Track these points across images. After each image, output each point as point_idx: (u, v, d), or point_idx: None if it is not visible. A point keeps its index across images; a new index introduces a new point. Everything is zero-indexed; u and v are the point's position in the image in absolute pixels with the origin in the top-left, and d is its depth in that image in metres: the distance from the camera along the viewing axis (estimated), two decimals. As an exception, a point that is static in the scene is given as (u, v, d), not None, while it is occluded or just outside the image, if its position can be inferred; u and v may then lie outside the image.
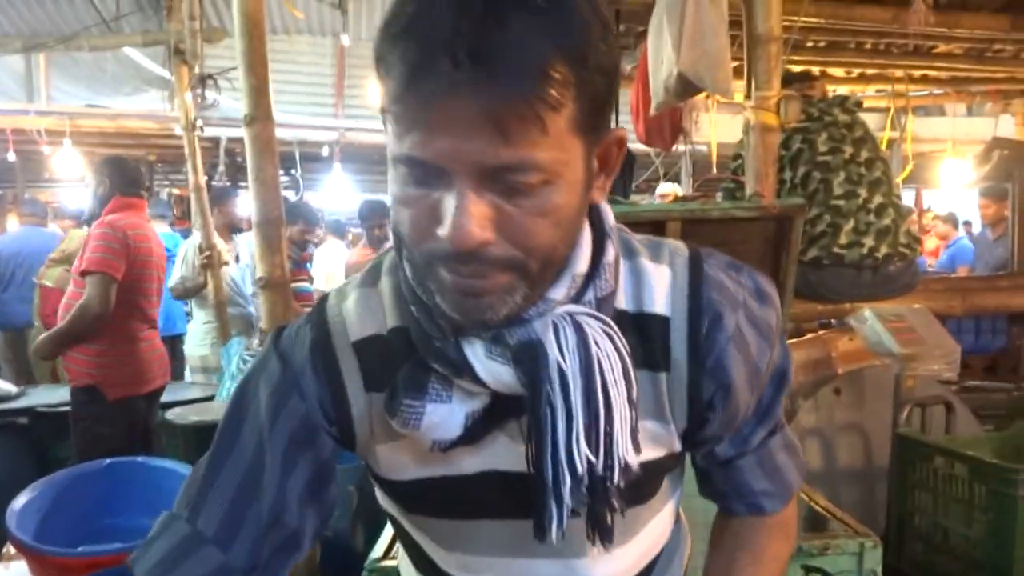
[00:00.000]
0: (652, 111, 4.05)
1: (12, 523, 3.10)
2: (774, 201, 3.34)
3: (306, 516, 1.06)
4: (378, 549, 2.31)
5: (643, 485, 1.06)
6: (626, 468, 0.94)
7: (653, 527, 1.16)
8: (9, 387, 4.87)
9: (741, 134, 3.76)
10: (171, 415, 4.26)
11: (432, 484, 1.06)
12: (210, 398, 4.85)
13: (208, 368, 5.71)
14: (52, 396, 4.75)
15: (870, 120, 4.96)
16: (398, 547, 1.37)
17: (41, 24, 7.67)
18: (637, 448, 0.95)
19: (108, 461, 3.52)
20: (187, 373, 6.01)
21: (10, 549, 3.49)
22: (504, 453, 1.02)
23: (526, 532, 0.97)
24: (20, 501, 3.22)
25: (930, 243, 10.62)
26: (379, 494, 1.20)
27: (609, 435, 0.91)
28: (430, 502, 1.09)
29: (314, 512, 1.07)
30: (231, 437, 1.04)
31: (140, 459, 3.64)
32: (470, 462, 1.03)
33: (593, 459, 0.92)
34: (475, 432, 0.97)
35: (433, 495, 1.07)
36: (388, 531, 2.57)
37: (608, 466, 0.93)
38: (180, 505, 1.06)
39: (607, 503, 0.95)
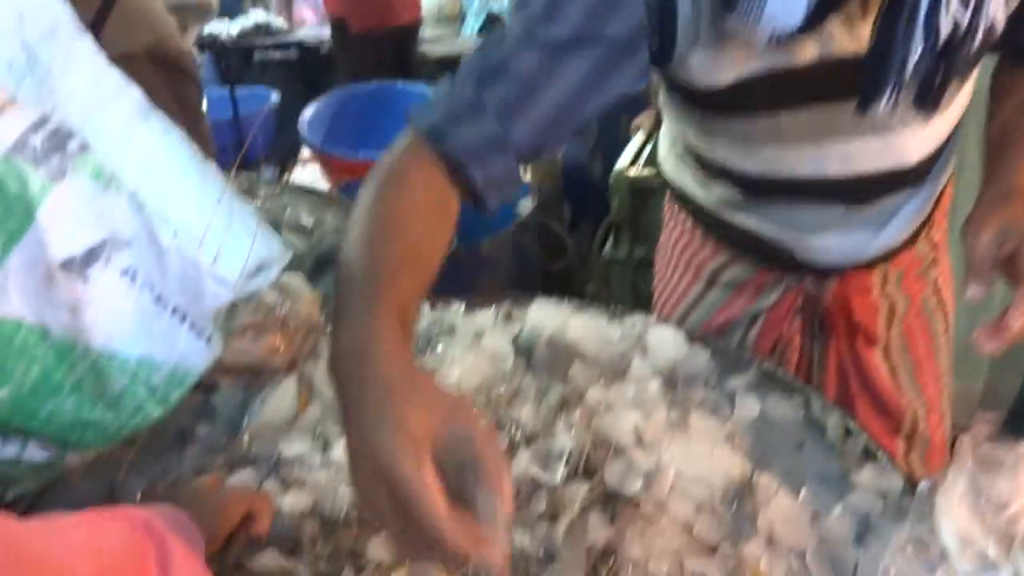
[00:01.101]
0: None
1: (304, 131, 3.64)
2: None
3: (589, 119, 1.05)
4: (623, 161, 2.51)
5: (984, 49, 1.04)
6: (990, 29, 0.93)
7: (964, 93, 1.15)
8: (281, 22, 5.37)
9: None
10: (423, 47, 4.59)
11: (758, 80, 1.05)
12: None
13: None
14: (319, 32, 5.21)
15: None
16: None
17: None
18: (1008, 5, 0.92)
19: (375, 84, 3.92)
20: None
21: (305, 154, 4.13)
22: (840, 37, 1.02)
23: (848, 113, 1.00)
24: (308, 113, 3.72)
25: None
26: (671, 111, 1.26)
27: None
28: (751, 99, 1.09)
29: (591, 114, 1.05)
30: (543, 23, 0.98)
31: (400, 84, 4.02)
32: (803, 52, 1.05)
33: (960, 19, 0.91)
34: (814, 18, 0.96)
35: (759, 90, 1.07)
36: (629, 151, 2.75)
37: (973, 27, 0.92)
38: (466, 74, 1.00)
39: (954, 69, 0.96)
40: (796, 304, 1.42)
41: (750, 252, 1.40)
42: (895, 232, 1.31)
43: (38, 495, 1.05)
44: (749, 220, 1.34)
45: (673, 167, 1.48)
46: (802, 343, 1.45)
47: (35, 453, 0.96)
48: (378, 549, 0.92)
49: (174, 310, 0.92)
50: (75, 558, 0.63)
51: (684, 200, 1.47)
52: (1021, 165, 1.08)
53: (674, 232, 1.55)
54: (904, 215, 1.29)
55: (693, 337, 1.36)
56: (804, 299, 1.42)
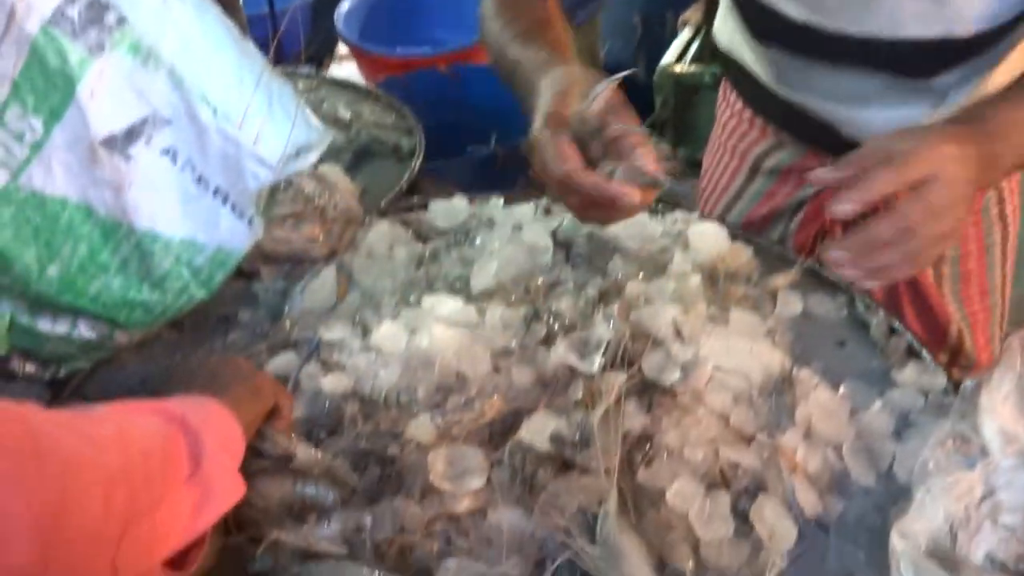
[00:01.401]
0: None
1: (341, 26, 3.56)
2: None
3: None
4: (668, 57, 2.42)
5: None
6: None
7: None
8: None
9: None
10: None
11: None
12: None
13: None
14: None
15: None
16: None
17: None
18: None
19: (413, -23, 3.80)
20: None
21: (341, 49, 4.06)
22: None
23: None
24: (344, 8, 3.63)
25: None
26: None
27: None
28: None
29: None
30: None
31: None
32: None
33: None
34: None
35: None
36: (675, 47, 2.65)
37: None
38: None
39: None
40: None
41: (796, 131, 1.36)
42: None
43: (89, 373, 1.08)
44: (797, 93, 1.30)
45: (728, 36, 1.43)
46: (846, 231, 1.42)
47: (85, 331, 0.98)
48: (418, 429, 0.94)
49: (215, 191, 0.92)
50: (102, 453, 0.61)
51: (737, 77, 1.43)
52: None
53: (725, 118, 1.52)
54: (959, 99, 1.22)
55: (736, 234, 1.33)
56: None
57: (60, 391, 1.04)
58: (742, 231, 1.42)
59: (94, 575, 0.59)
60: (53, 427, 0.59)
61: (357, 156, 1.74)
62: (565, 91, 0.95)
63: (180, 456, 0.69)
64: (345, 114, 1.83)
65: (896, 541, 0.82)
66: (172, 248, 0.92)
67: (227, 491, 0.74)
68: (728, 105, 1.50)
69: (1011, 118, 0.94)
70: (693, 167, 2.76)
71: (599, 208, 0.93)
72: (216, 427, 0.77)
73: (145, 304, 0.94)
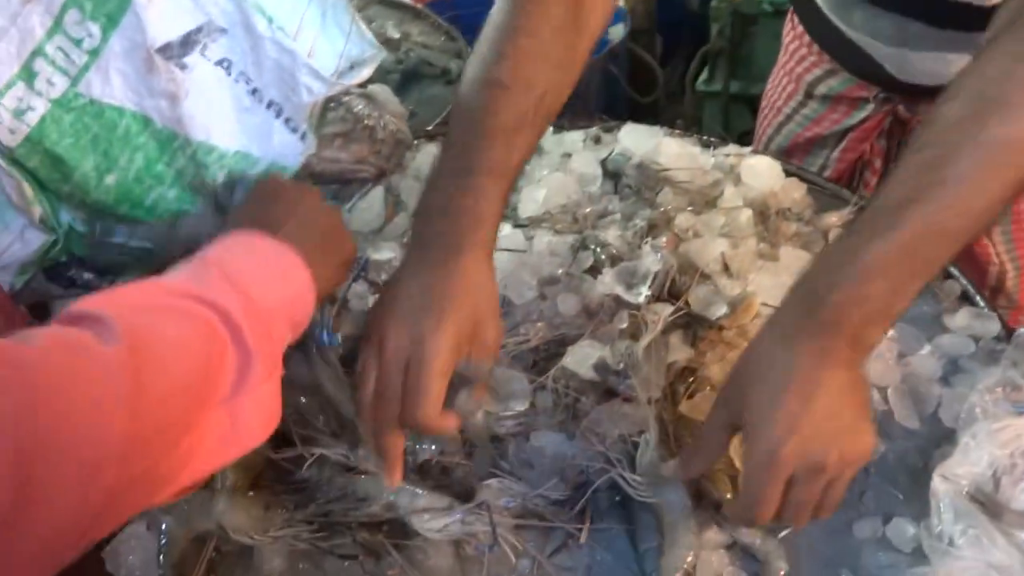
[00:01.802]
0: None
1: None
2: None
3: None
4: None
5: None
6: None
7: None
8: None
9: None
10: None
11: None
12: None
13: None
14: None
15: None
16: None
17: None
18: None
19: None
20: None
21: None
22: None
23: None
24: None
25: None
26: None
27: None
28: None
29: None
30: None
31: None
32: None
33: None
34: None
35: None
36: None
37: None
38: None
39: None
40: (883, 125, 1.38)
41: (846, 61, 1.35)
42: None
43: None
44: (844, 25, 1.28)
45: None
46: (883, 168, 1.40)
47: (140, 241, 1.00)
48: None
49: (269, 104, 0.92)
50: (110, 377, 0.52)
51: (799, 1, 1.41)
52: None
53: (788, 39, 1.50)
54: None
55: (789, 170, 1.30)
56: (892, 122, 1.37)
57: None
58: (787, 158, 1.42)
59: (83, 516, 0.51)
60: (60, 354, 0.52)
61: (405, 77, 1.73)
62: (467, 331, 0.79)
63: (225, 375, 0.61)
64: (394, 34, 1.80)
65: (938, 483, 0.82)
66: (226, 160, 0.92)
67: (261, 423, 0.65)
68: (792, 27, 1.48)
69: (846, 297, 0.71)
70: (742, 101, 2.70)
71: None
72: (288, 303, 0.68)
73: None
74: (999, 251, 1.38)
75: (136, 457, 0.53)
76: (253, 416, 0.63)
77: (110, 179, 0.90)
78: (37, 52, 0.83)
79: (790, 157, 1.48)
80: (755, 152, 1.33)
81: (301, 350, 0.85)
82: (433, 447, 0.85)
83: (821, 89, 1.43)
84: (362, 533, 0.80)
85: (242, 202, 0.87)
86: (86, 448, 0.50)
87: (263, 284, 0.67)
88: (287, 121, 0.94)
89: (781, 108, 1.51)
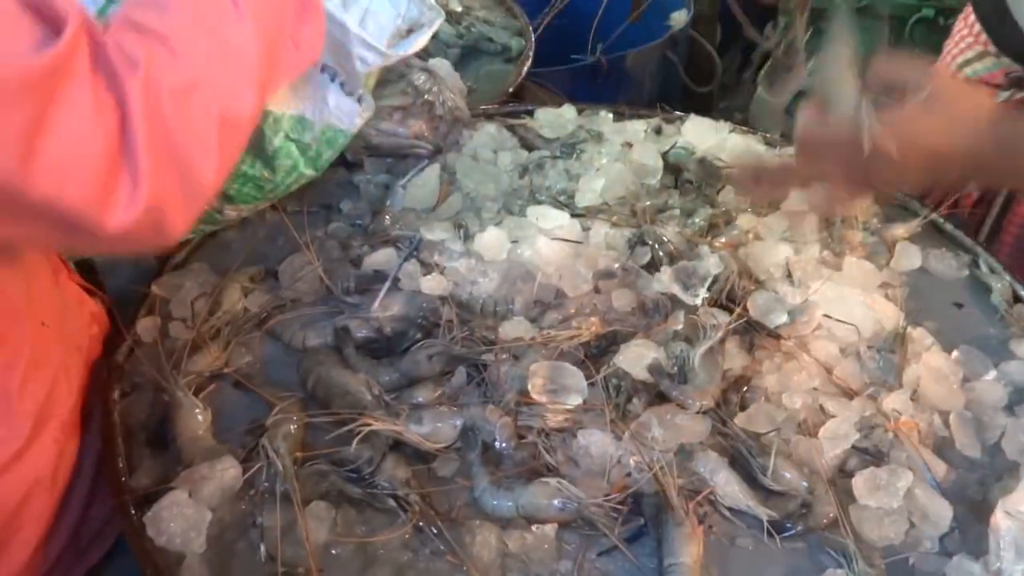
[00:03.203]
0: None
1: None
2: None
3: None
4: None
5: None
6: None
7: None
8: None
9: None
10: None
11: None
12: None
13: None
14: None
15: None
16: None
17: None
18: None
19: None
20: None
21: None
22: None
23: None
24: None
25: None
26: None
27: None
28: None
29: None
30: None
31: None
32: None
33: None
34: None
35: None
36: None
37: None
38: None
39: None
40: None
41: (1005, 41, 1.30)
42: None
43: (195, 247, 1.10)
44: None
45: None
46: None
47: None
48: (513, 329, 0.93)
49: (324, 67, 0.90)
50: None
51: None
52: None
53: (956, 30, 1.47)
54: None
55: (858, 177, 1.26)
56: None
57: (167, 260, 1.07)
58: None
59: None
60: None
61: (465, 53, 1.70)
62: None
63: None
64: (456, 7, 1.77)
65: (1000, 519, 0.79)
66: (281, 124, 0.91)
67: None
68: (964, 13, 1.46)
69: None
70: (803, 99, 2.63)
71: None
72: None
73: (256, 180, 0.94)
74: None
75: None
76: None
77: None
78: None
79: None
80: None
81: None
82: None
83: (966, 71, 1.40)
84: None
85: None
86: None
87: None
88: (343, 85, 0.92)
89: (955, 56, 1.47)
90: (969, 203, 1.37)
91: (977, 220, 1.37)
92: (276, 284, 1.04)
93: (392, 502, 0.79)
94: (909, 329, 1.01)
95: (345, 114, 0.99)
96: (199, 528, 0.75)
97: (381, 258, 1.05)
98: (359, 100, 1.00)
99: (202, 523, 0.76)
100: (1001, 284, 1.11)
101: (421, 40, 1.04)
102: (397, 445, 0.85)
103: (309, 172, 0.98)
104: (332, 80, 0.97)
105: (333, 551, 0.77)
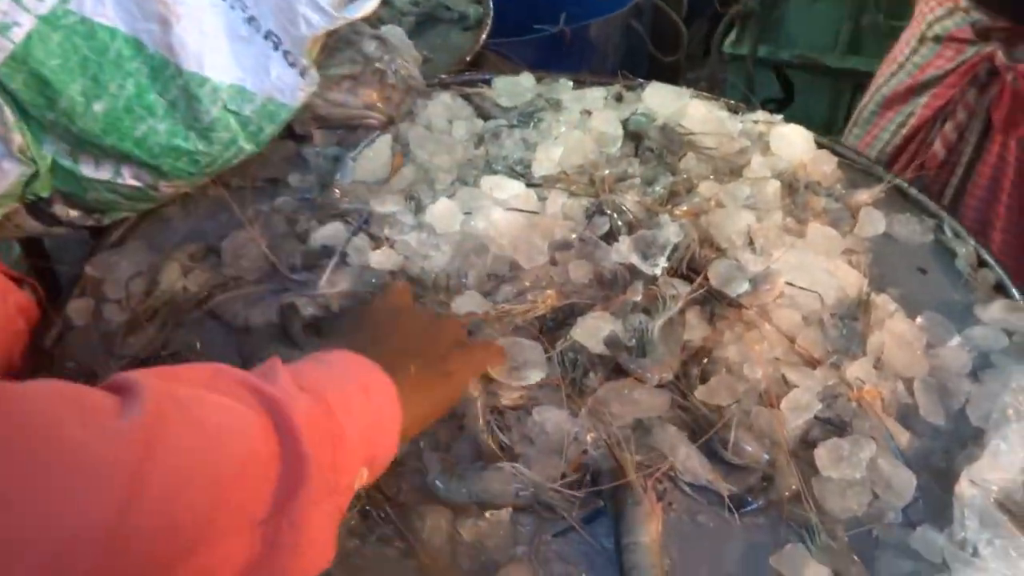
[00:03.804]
0: None
1: None
2: None
3: None
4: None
5: None
6: None
7: None
8: None
9: None
10: None
11: None
12: None
13: None
14: None
15: None
16: None
17: None
18: None
19: None
20: None
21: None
22: None
23: None
24: None
25: None
26: None
27: None
28: None
29: None
30: None
31: None
32: None
33: None
34: None
35: None
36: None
37: None
38: None
39: None
40: (978, 71, 1.35)
41: None
42: None
43: (133, 225, 1.04)
44: None
45: None
46: (965, 122, 1.37)
47: (129, 179, 0.94)
48: (465, 304, 0.90)
49: (267, 35, 0.85)
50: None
51: None
52: None
53: None
54: None
55: (821, 142, 1.23)
56: (987, 71, 1.34)
57: (104, 238, 1.01)
58: (883, 110, 1.45)
59: None
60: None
61: (421, 21, 1.64)
62: None
63: (265, 485, 0.49)
64: (410, -27, 1.71)
65: (964, 487, 0.77)
66: (220, 94, 0.85)
67: (303, 559, 0.51)
68: None
69: None
70: (771, 66, 2.61)
71: None
72: (364, 430, 0.55)
73: (191, 153, 0.89)
74: None
75: (124, 555, 0.42)
76: (295, 544, 0.50)
77: (98, 107, 0.84)
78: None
79: (887, 110, 1.48)
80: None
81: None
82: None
83: (936, 29, 1.41)
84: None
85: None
86: (55, 523, 0.39)
87: (339, 392, 0.55)
88: (286, 55, 0.87)
89: (897, 58, 1.49)
90: (934, 166, 1.35)
91: (941, 183, 1.35)
92: (218, 261, 0.99)
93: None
94: (873, 295, 0.98)
95: (287, 87, 0.94)
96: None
97: (329, 232, 1.01)
98: (302, 73, 0.95)
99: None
100: (965, 249, 1.09)
101: (371, 3, 0.99)
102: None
103: (249, 147, 0.93)
104: (275, 49, 0.92)
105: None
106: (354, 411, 0.55)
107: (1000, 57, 1.31)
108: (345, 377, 0.57)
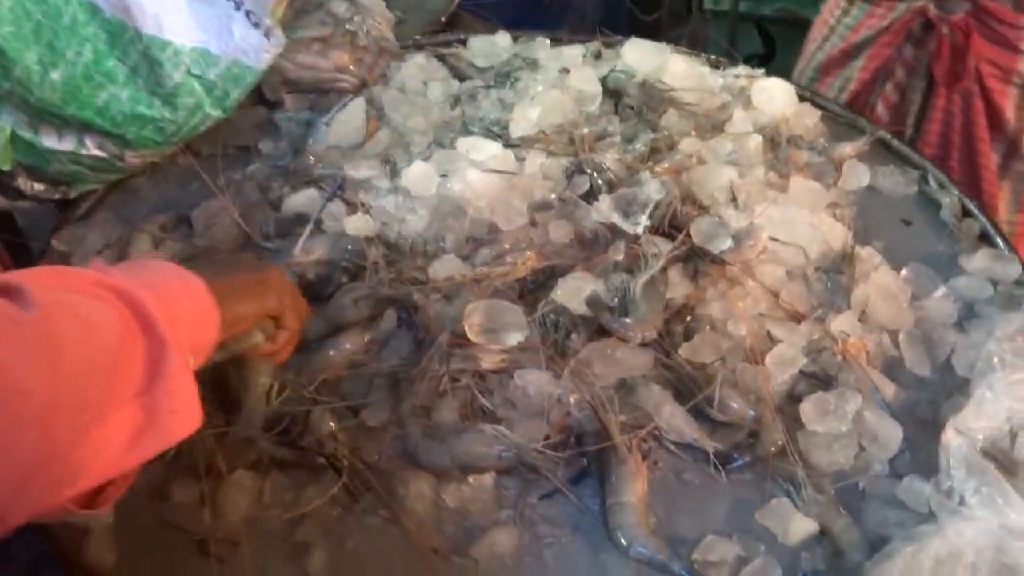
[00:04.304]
0: None
1: None
2: None
3: None
4: None
5: None
6: None
7: None
8: None
9: None
10: None
11: None
12: None
13: None
14: None
15: None
16: None
17: None
18: None
19: None
20: None
21: None
22: None
23: None
24: None
25: None
26: None
27: None
28: None
29: None
30: None
31: None
32: None
33: None
34: None
35: None
36: None
37: None
38: None
39: None
40: (912, 27, 1.33)
41: None
42: None
43: (101, 197, 1.02)
44: None
45: None
46: (905, 80, 1.36)
47: (93, 149, 0.91)
48: (444, 268, 0.88)
49: (229, -6, 0.82)
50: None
51: None
52: None
53: None
54: None
55: (804, 95, 1.21)
56: (921, 26, 1.32)
57: (71, 211, 0.99)
58: (822, 76, 1.40)
59: None
60: None
61: (394, -21, 1.60)
62: None
63: (134, 365, 0.55)
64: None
65: (950, 437, 0.77)
66: (182, 57, 0.82)
67: (179, 420, 0.58)
68: None
69: None
70: (754, 21, 2.57)
71: None
72: (190, 321, 0.61)
73: (156, 121, 0.86)
74: (1001, 208, 1.33)
75: (54, 431, 0.48)
76: (171, 409, 0.57)
77: (56, 75, 0.81)
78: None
79: (825, 75, 1.44)
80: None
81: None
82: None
83: (846, 21, 1.39)
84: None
85: None
86: (2, 411, 0.44)
87: (167, 289, 0.61)
88: (248, 15, 0.84)
89: (828, 20, 1.46)
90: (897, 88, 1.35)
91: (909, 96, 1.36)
92: (189, 232, 0.96)
93: (322, 459, 0.74)
94: (857, 248, 0.97)
95: (251, 48, 0.91)
96: (107, 497, 0.70)
97: (302, 199, 0.98)
98: (266, 34, 0.92)
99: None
100: (950, 199, 1.08)
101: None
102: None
103: (216, 113, 0.90)
104: (237, 9, 0.88)
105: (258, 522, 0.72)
106: (180, 302, 0.61)
107: (932, 10, 1.28)
108: (165, 276, 0.63)
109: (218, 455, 0.73)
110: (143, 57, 0.81)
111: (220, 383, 0.77)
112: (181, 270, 0.64)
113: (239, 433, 0.74)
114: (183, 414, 0.58)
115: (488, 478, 0.74)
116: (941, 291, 0.95)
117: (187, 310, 0.61)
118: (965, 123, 1.32)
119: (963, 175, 1.32)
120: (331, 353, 0.83)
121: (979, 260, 0.99)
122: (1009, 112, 1.28)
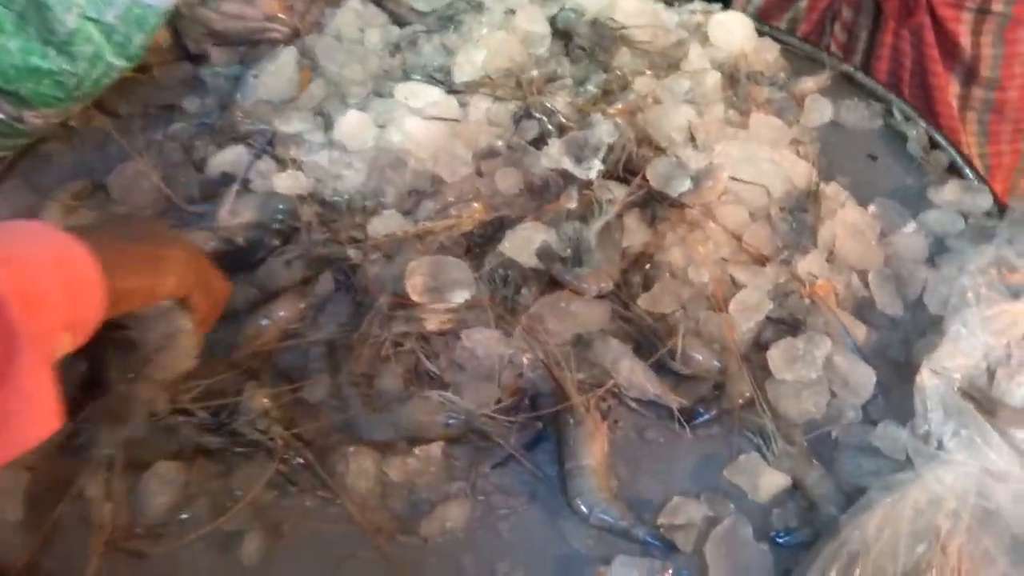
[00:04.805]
0: None
1: None
2: None
3: None
4: None
5: None
6: None
7: None
8: None
9: None
10: None
11: None
12: None
13: None
14: None
15: None
16: None
17: None
18: None
19: None
20: None
21: None
22: None
23: None
24: None
25: None
26: None
27: None
28: None
29: None
30: None
31: None
32: None
33: None
34: None
35: None
36: None
37: None
38: None
39: None
40: None
41: None
42: None
43: (9, 165, 0.93)
44: None
45: None
46: (852, 19, 1.31)
47: None
48: (383, 225, 0.82)
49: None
50: None
51: None
52: None
53: None
54: None
55: (763, 30, 1.15)
56: None
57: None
58: (765, 19, 1.29)
59: None
60: None
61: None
62: None
63: None
64: None
65: (925, 378, 0.72)
66: (75, 1, 0.74)
67: (33, 421, 0.51)
68: None
69: None
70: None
71: None
72: (62, 295, 0.54)
73: (53, 74, 0.78)
74: (970, 142, 1.28)
75: None
76: (21, 411, 0.50)
77: (-66, 29, 0.72)
78: None
79: (768, 18, 1.35)
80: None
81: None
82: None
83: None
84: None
85: None
86: None
87: (31, 260, 0.53)
88: (146, -51, 0.76)
89: None
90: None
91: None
92: (106, 199, 0.89)
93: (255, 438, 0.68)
94: (822, 186, 0.92)
95: (154, -10, 0.83)
96: (15, 493, 0.63)
97: (229, 157, 0.91)
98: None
99: (18, 487, 0.64)
100: (917, 131, 1.03)
101: None
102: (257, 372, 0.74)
103: (120, 63, 0.82)
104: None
105: (183, 515, 0.66)
106: (46, 274, 0.54)
107: None
108: (33, 243, 0.55)
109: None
110: (30, 1, 0.73)
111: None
112: (58, 235, 0.56)
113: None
114: (37, 414, 0.51)
115: (436, 448, 0.68)
116: (911, 226, 0.91)
117: (57, 282, 0.54)
118: (916, 58, 1.27)
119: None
120: (263, 323, 0.77)
121: (948, 192, 0.95)
122: (964, 38, 1.23)
